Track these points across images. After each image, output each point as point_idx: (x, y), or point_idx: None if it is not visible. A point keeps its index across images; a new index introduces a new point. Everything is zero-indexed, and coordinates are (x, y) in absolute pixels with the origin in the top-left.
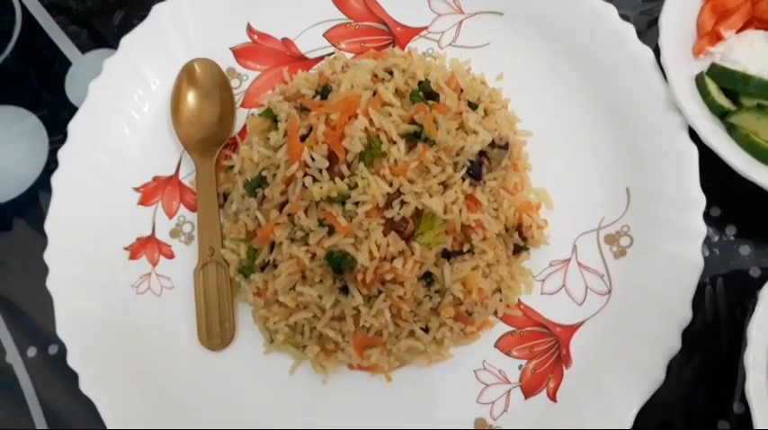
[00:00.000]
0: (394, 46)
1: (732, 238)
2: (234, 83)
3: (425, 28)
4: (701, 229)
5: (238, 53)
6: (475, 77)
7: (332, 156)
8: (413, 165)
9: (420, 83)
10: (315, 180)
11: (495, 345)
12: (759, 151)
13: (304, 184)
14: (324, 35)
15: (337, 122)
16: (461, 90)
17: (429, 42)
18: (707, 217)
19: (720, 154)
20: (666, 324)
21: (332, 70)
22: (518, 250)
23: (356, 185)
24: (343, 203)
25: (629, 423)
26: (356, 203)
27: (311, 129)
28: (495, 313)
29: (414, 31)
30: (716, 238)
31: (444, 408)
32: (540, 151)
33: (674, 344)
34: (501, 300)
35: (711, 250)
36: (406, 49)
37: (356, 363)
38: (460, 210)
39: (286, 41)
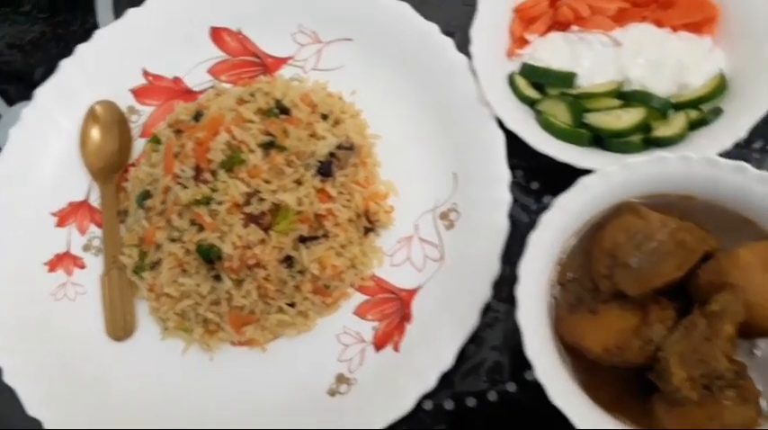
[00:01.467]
0: (266, 74)
1: (548, 205)
2: (133, 118)
3: (291, 57)
4: (506, 199)
5: (136, 92)
6: (332, 94)
7: (198, 167)
8: (265, 168)
9: (277, 101)
10: (185, 187)
11: (354, 313)
12: (555, 130)
13: (177, 192)
14: (208, 71)
15: (203, 139)
16: (315, 105)
17: (295, 69)
18: (528, 190)
19: (520, 135)
20: (480, 278)
21: (207, 99)
22: (367, 231)
23: (218, 189)
24: (209, 204)
25: (450, 363)
26: (219, 203)
27: (184, 147)
28: (353, 285)
29: (282, 61)
30: (534, 207)
31: (312, 369)
32: (388, 150)
33: (485, 294)
34: (356, 274)
35: (531, 217)
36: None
37: (236, 340)
38: (312, 202)
39: (176, 79)
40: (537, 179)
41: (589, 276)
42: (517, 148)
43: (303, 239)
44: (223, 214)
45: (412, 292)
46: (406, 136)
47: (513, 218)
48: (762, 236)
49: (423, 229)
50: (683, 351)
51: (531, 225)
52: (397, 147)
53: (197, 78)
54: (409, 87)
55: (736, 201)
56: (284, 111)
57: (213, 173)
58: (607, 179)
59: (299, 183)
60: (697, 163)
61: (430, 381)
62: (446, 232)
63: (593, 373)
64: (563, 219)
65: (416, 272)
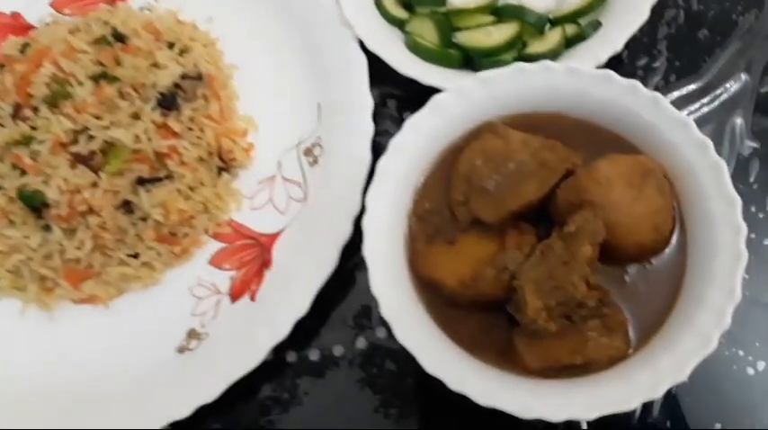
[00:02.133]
0: (115, 2)
1: None
2: None
3: None
4: (369, 129)
5: None
6: (183, 22)
7: (18, 104)
8: (94, 101)
9: (113, 29)
10: (2, 127)
11: (210, 262)
12: (422, 51)
13: None
14: (50, 5)
15: (25, 72)
16: (159, 33)
17: None
18: (401, 122)
19: (382, 56)
20: (341, 215)
21: (39, 31)
22: (221, 171)
23: (38, 127)
24: (29, 145)
25: (305, 309)
26: (41, 143)
27: (3, 82)
28: (207, 232)
29: None
30: None
31: (162, 325)
32: (247, 81)
33: (345, 231)
34: (210, 220)
35: None
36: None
37: (76, 298)
38: (151, 139)
39: (15, 15)
40: (411, 109)
41: (447, 205)
42: (390, 76)
43: (142, 181)
44: (46, 155)
45: (273, 237)
46: (267, 65)
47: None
48: (633, 151)
49: (286, 168)
50: (539, 278)
51: None
52: (258, 77)
53: (38, 12)
54: (270, 13)
55: (605, 115)
56: (121, 39)
57: (35, 109)
58: (463, 97)
59: (136, 118)
60: (560, 74)
61: (283, 330)
62: (310, 169)
63: (452, 310)
64: (416, 142)
65: (279, 214)
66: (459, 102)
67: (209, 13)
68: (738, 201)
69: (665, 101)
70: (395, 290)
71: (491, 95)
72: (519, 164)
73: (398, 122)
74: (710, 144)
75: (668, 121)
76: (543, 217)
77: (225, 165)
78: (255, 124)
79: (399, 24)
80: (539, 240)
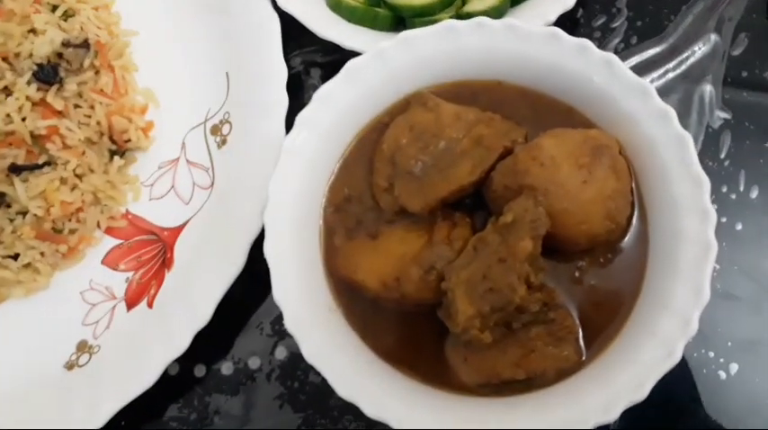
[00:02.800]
0: None
1: None
2: None
3: None
4: (283, 102)
5: None
6: None
7: None
8: None
9: None
10: None
11: (103, 262)
12: (344, 9)
13: None
14: None
15: None
16: None
17: None
18: (307, 84)
19: (296, 16)
20: (251, 205)
21: None
22: (113, 155)
23: None
24: None
25: (207, 317)
26: None
27: None
28: (99, 227)
29: None
30: None
31: (48, 338)
32: (148, 49)
33: (256, 225)
34: (102, 213)
35: None
36: None
37: None
38: (26, 118)
39: None
40: (319, 67)
41: (370, 191)
42: (314, 39)
43: (17, 169)
44: None
45: (176, 231)
46: (170, 31)
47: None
48: (584, 124)
49: (191, 149)
50: (471, 278)
51: None
52: (160, 45)
53: None
54: None
55: (552, 82)
56: None
57: None
58: (383, 61)
59: (7, 93)
60: (498, 32)
61: (182, 343)
62: (218, 152)
63: (376, 317)
64: (330, 117)
65: (182, 204)
66: (379, 67)
67: None
68: (706, 181)
69: (619, 63)
70: (305, 295)
71: (416, 59)
72: (451, 141)
73: (307, 87)
74: (674, 114)
75: (625, 88)
76: (481, 205)
77: (117, 148)
78: (156, 99)
79: None
80: (474, 233)
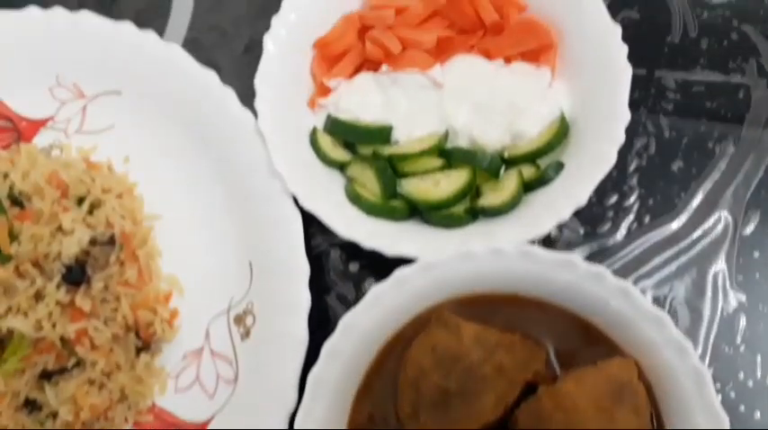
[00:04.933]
0: (19, 143)
1: None
2: None
3: (51, 118)
4: (305, 302)
5: None
6: (96, 164)
7: None
8: None
9: (10, 189)
10: None
11: None
12: (363, 204)
13: None
14: None
15: None
16: (67, 186)
17: (56, 133)
18: (345, 274)
19: (318, 216)
20: (274, 410)
21: None
22: (140, 351)
23: None
24: None
25: None
26: None
27: None
28: (127, 421)
29: (39, 124)
30: (353, 295)
31: None
32: (170, 233)
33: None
34: (130, 408)
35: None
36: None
37: None
38: (56, 324)
39: None
40: (357, 258)
41: (395, 412)
42: None
43: (48, 375)
44: None
45: (202, 427)
46: (192, 214)
47: (326, 310)
48: (605, 344)
49: (215, 338)
50: None
51: None
52: (182, 228)
53: None
54: (192, 152)
55: (569, 300)
56: (17, 202)
57: None
58: (405, 287)
59: (37, 298)
60: (515, 258)
61: None
62: (241, 344)
63: None
64: (353, 345)
65: (207, 398)
66: (400, 292)
67: (127, 151)
68: (726, 420)
69: (636, 292)
70: None
71: (436, 281)
72: (473, 365)
73: (343, 275)
74: (690, 348)
75: (641, 316)
76: None
77: (144, 343)
78: (180, 286)
79: (340, 167)
80: None
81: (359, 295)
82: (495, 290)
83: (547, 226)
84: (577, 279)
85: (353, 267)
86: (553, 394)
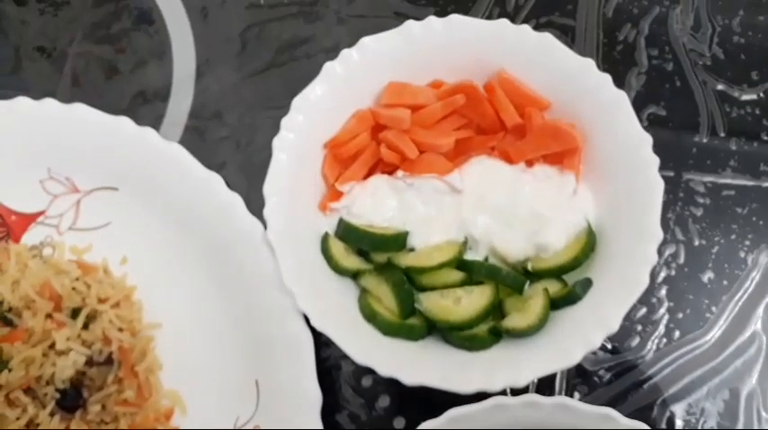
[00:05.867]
0: (8, 239)
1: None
2: None
3: (42, 212)
4: None
5: None
6: (92, 267)
7: None
8: None
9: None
10: None
11: None
12: (380, 323)
13: None
14: None
15: None
16: (60, 297)
17: (47, 229)
18: (359, 389)
19: (333, 339)
20: None
21: None
22: None
23: None
24: None
25: None
26: None
27: None
28: None
29: (29, 218)
30: (365, 413)
31: None
32: (170, 343)
33: None
34: None
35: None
36: (21, 242)
37: None
38: None
39: None
40: (371, 372)
41: None
42: None
43: None
44: None
45: None
46: (194, 323)
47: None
48: None
49: None
50: None
51: None
52: (184, 339)
53: None
54: (194, 257)
55: None
56: (7, 320)
57: None
58: None
59: (30, 427)
60: (549, 408)
61: None
62: None
63: None
64: None
65: None
66: None
67: (124, 251)
68: None
69: None
70: None
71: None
72: None
73: (356, 390)
74: None
75: None
76: None
77: None
78: (183, 402)
79: (353, 276)
80: None
81: (371, 414)
82: None
83: (577, 356)
84: None
85: (366, 382)
86: None
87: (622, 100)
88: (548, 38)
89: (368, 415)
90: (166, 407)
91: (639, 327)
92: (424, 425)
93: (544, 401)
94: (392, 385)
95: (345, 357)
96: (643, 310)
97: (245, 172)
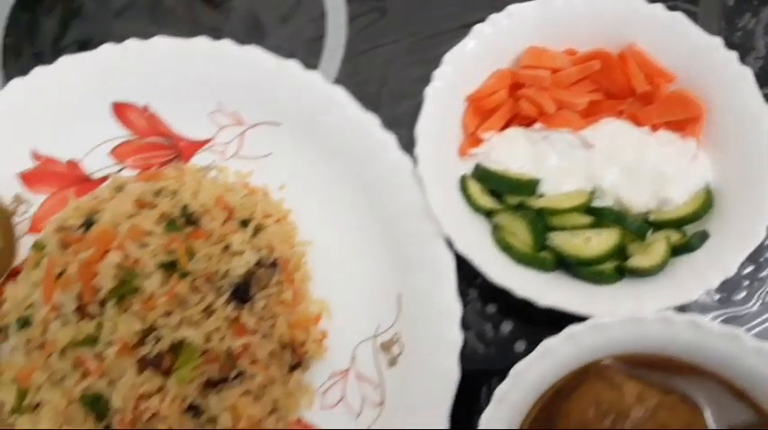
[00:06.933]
0: (179, 160)
1: (507, 334)
2: (22, 208)
3: (209, 140)
4: (457, 340)
5: (26, 178)
6: (255, 190)
7: (82, 297)
8: (161, 301)
9: (183, 208)
10: (65, 323)
11: None
12: (514, 253)
13: (55, 330)
14: (109, 153)
15: (90, 259)
16: (232, 209)
17: (213, 155)
18: (484, 314)
19: (474, 263)
20: None
21: (102, 197)
22: (293, 368)
23: (105, 326)
24: (95, 344)
25: None
26: (108, 344)
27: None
28: None
29: (197, 145)
30: (491, 334)
31: None
32: (321, 260)
33: None
34: (278, 420)
35: (487, 348)
36: (190, 163)
37: None
38: (223, 338)
39: (71, 163)
40: (495, 300)
41: None
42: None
43: (212, 383)
44: (111, 358)
45: None
46: (342, 243)
47: (465, 349)
48: (756, 410)
49: (361, 362)
50: None
51: (487, 358)
52: (332, 256)
53: (97, 162)
54: (347, 187)
55: (727, 368)
56: (191, 221)
57: (102, 302)
58: (574, 342)
59: (208, 312)
60: (681, 327)
61: None
62: (388, 370)
63: None
64: (520, 391)
65: (352, 417)
66: (570, 348)
67: (282, 179)
68: None
69: None
70: None
71: (604, 341)
72: (636, 422)
73: (482, 315)
74: None
75: None
76: None
77: (297, 360)
78: (329, 310)
79: (487, 214)
80: None
81: (497, 335)
82: (656, 352)
83: (695, 292)
84: (741, 353)
85: (491, 309)
86: None
87: (747, 76)
88: (679, 16)
89: (493, 336)
90: (315, 313)
91: (747, 282)
92: (569, 328)
93: (677, 319)
94: (513, 313)
95: (471, 286)
96: (751, 268)
97: (396, 116)
